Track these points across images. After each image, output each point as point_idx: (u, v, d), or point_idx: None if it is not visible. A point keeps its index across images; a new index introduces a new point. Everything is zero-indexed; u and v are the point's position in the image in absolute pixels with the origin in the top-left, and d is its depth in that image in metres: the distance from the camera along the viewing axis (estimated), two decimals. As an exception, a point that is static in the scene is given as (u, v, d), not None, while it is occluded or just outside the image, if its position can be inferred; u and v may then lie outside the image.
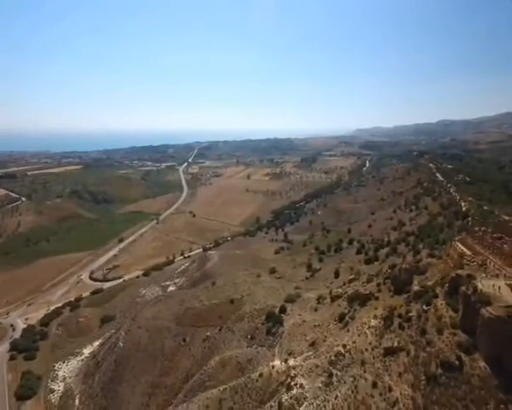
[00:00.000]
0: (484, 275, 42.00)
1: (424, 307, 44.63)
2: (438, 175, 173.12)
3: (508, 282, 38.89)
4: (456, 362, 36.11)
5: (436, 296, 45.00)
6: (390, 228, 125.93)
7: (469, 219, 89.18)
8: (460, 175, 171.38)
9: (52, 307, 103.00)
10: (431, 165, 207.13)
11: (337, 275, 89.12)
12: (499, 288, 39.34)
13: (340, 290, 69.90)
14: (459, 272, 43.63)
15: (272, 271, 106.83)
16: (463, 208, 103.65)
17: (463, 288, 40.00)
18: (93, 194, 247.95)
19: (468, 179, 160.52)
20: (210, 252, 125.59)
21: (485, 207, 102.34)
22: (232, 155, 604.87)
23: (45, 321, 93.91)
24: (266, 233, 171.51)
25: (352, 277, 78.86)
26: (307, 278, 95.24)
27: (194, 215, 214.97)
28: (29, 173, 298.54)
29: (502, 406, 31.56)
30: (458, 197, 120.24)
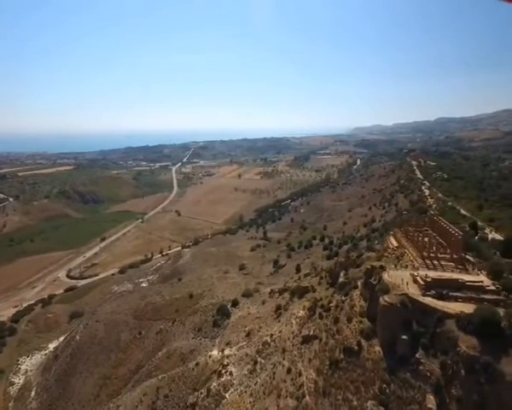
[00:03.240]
0: (393, 266, 44.09)
1: (343, 297, 46.78)
2: (417, 172, 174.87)
3: (411, 272, 40.99)
4: (356, 348, 38.26)
5: (356, 287, 47.09)
6: (362, 225, 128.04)
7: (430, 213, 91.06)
8: (439, 172, 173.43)
9: (25, 304, 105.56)
10: (413, 162, 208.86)
11: (298, 270, 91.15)
12: (406, 280, 41.36)
13: (290, 285, 72.10)
14: (374, 263, 45.71)
15: (241, 267, 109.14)
16: (427, 204, 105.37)
17: (371, 279, 42.13)
18: (81, 194, 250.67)
19: (445, 176, 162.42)
20: (184, 250, 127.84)
21: (449, 203, 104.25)
22: (228, 154, 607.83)
23: (16, 318, 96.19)
24: (247, 231, 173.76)
25: (307, 272, 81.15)
26: (271, 274, 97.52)
27: (179, 214, 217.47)
28: (20, 174, 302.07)
29: (384, 385, 33.82)
30: (428, 194, 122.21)
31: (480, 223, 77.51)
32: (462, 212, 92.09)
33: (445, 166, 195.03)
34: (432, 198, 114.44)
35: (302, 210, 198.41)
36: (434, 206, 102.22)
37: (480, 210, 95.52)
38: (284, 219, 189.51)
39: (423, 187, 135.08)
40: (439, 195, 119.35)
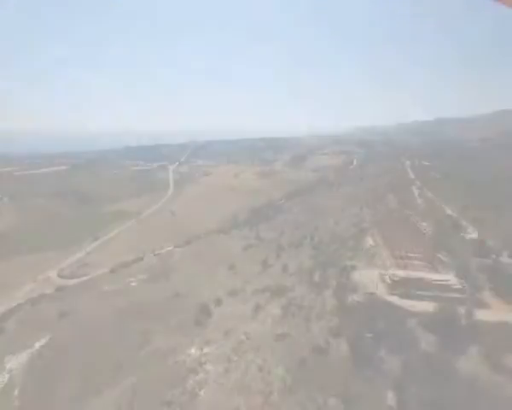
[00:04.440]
0: (365, 265, 44.58)
1: (316, 296, 47.25)
2: (409, 172, 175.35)
3: (381, 271, 41.48)
4: (324, 346, 38.81)
5: (329, 287, 47.54)
6: (352, 224, 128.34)
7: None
8: (432, 172, 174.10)
9: (14, 304, 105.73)
10: (408, 162, 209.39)
11: (285, 270, 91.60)
12: (376, 280, 41.83)
13: (273, 284, 72.57)
14: (347, 263, 46.25)
15: (230, 267, 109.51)
16: (414, 204, 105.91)
17: (342, 278, 42.62)
18: (77, 193, 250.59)
19: (437, 176, 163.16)
20: (176, 249, 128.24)
21: (437, 203, 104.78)
22: (226, 153, 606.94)
23: (5, 317, 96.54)
24: (240, 231, 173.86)
25: (292, 271, 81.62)
26: (259, 273, 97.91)
27: (173, 214, 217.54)
28: (16, 173, 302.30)
29: (348, 383, 34.34)
30: (417, 194, 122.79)
31: (464, 223, 78.04)
32: (448, 212, 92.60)
33: (439, 165, 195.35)
34: (421, 198, 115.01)
35: (296, 210, 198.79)
36: (423, 206, 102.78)
37: (465, 210, 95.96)
38: (278, 219, 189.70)
39: (414, 187, 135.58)
40: (429, 194, 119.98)
